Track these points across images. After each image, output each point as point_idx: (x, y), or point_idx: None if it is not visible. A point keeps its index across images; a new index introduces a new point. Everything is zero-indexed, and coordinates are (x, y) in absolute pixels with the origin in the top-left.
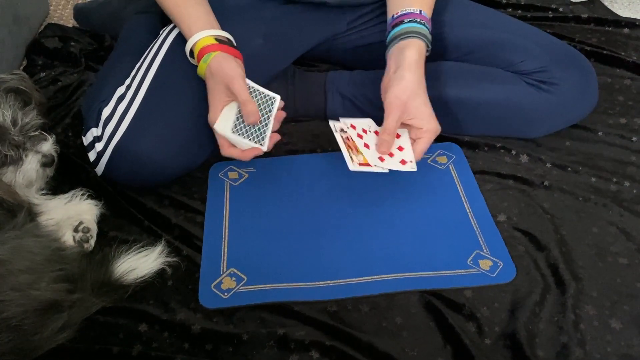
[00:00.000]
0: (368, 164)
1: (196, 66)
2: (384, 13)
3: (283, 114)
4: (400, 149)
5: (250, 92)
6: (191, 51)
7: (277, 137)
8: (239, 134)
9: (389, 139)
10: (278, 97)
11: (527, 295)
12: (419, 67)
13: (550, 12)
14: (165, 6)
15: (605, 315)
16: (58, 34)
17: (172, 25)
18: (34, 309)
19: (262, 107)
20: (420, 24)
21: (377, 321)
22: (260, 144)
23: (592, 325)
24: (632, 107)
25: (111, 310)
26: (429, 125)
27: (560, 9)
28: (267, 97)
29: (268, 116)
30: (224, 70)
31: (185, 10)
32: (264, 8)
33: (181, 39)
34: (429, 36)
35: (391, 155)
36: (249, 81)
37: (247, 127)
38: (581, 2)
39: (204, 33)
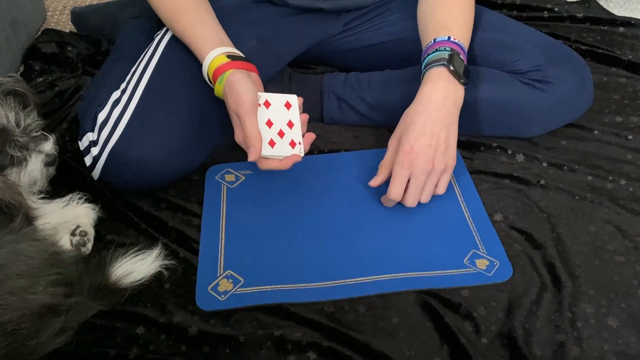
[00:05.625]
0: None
1: (192, 69)
2: (380, 15)
3: (306, 116)
4: (290, 125)
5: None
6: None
7: (312, 136)
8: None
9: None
10: (295, 96)
11: (523, 294)
12: (430, 103)
13: (545, 12)
14: (176, 30)
15: (602, 313)
16: (55, 39)
17: (165, 29)
18: (30, 313)
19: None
20: (441, 50)
21: (374, 321)
22: (299, 150)
23: (588, 323)
24: (627, 106)
25: (108, 313)
26: (399, 155)
27: (556, 9)
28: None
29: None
30: (236, 92)
31: (193, 32)
32: (258, 10)
33: (175, 43)
34: (452, 57)
35: (282, 135)
36: (261, 94)
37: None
38: (576, 1)
39: (215, 52)
